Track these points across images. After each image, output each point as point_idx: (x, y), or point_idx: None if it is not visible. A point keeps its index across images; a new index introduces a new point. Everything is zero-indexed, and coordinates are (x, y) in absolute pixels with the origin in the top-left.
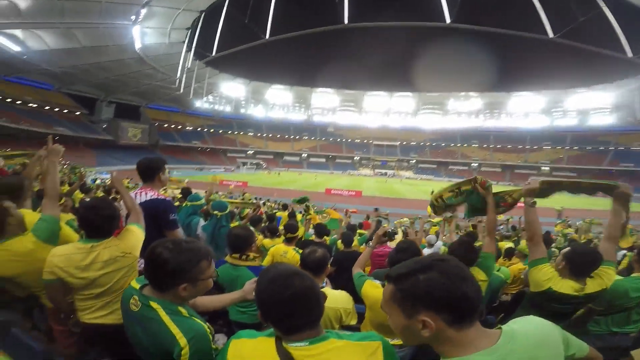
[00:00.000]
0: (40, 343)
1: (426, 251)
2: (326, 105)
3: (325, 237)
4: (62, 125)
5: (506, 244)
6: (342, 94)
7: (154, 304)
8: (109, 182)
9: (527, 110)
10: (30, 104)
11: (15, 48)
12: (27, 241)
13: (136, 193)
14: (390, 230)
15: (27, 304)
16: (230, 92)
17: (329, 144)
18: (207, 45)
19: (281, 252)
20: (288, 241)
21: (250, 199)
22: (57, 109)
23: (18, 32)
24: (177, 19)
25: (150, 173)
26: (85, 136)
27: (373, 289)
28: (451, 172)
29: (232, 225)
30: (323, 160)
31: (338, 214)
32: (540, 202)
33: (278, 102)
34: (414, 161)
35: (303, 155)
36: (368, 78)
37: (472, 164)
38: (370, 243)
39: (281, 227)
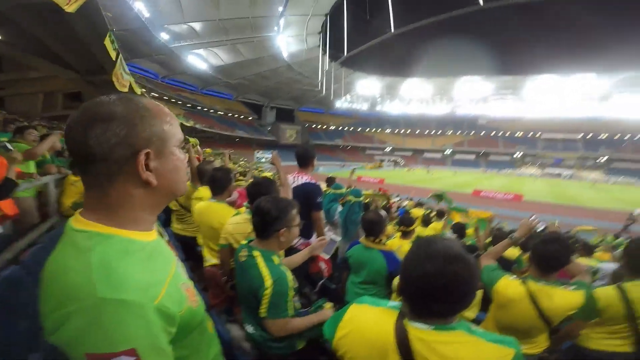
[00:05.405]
0: (204, 293)
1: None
2: (473, 95)
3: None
4: (241, 129)
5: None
6: (496, 80)
7: (255, 253)
8: (270, 159)
9: None
10: (218, 112)
11: (203, 65)
12: None
13: (294, 176)
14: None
15: None
16: (366, 90)
17: (480, 139)
18: (339, 47)
19: (395, 247)
20: (404, 235)
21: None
22: (236, 115)
23: (202, 52)
24: (309, 24)
25: (306, 160)
26: (256, 137)
27: (514, 287)
28: None
29: None
30: (472, 157)
31: (487, 213)
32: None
33: (415, 96)
34: (605, 159)
35: (446, 151)
36: (532, 60)
37: None
38: (515, 234)
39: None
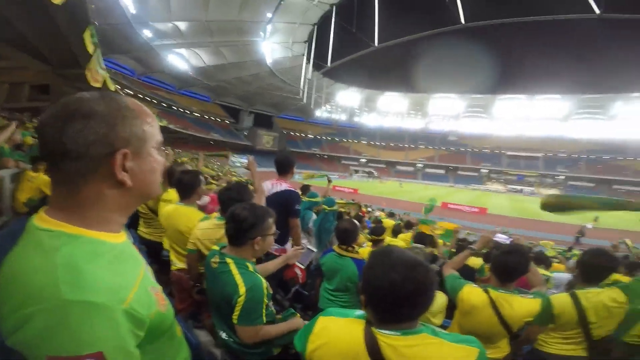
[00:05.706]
0: (170, 298)
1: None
2: (447, 111)
3: (432, 248)
4: (216, 132)
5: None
6: (468, 98)
7: (228, 260)
8: (246, 165)
9: None
10: (195, 113)
11: (183, 66)
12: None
13: (273, 183)
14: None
15: None
16: (345, 101)
17: (450, 154)
18: (323, 57)
19: (366, 256)
20: (375, 244)
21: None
22: (213, 118)
23: (183, 51)
24: (296, 32)
25: (285, 167)
26: (232, 142)
27: (477, 295)
28: (617, 192)
29: None
30: (442, 171)
31: (454, 225)
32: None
33: (392, 110)
34: (563, 177)
35: (418, 165)
36: (500, 80)
37: None
38: (475, 246)
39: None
